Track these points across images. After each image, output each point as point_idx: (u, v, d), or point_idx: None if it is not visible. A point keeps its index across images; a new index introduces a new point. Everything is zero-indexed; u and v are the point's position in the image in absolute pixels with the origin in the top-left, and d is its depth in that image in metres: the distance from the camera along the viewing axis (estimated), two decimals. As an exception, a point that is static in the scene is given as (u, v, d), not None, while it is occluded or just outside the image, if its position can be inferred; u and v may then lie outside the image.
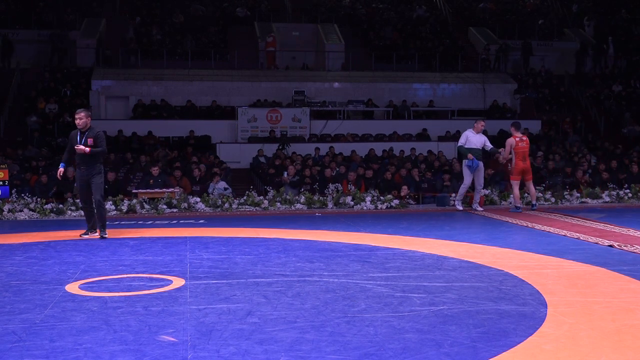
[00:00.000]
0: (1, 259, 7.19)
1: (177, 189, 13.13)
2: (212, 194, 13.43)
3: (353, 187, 13.72)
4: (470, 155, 12.04)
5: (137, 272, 6.39)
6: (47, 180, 13.47)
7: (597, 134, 22.32)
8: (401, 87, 23.68)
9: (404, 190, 13.60)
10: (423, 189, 14.33)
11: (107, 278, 6.12)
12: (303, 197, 12.96)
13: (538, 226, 9.84)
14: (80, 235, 8.87)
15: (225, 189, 13.88)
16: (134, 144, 18.88)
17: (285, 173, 14.78)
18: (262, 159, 17.97)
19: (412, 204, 13.50)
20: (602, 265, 6.55)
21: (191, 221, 10.90)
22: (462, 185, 12.39)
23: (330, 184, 13.49)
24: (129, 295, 5.37)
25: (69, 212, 11.79)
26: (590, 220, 10.41)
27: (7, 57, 22.74)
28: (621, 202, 13.56)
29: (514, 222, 10.45)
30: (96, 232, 8.85)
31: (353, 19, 27.36)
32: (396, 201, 12.93)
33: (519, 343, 4.07)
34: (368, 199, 12.84)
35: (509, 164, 14.36)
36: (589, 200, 13.58)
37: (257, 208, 12.58)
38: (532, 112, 23.36)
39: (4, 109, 20.45)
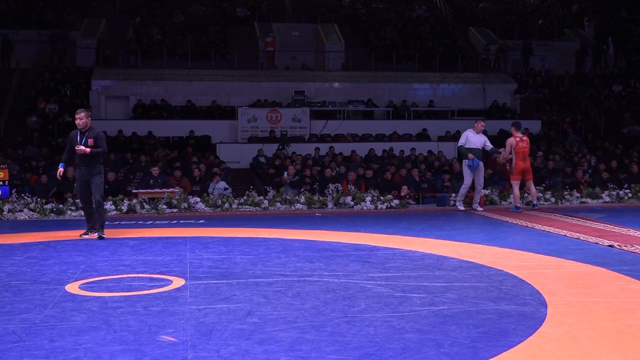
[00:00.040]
0: (1, 259, 7.19)
1: (177, 189, 13.13)
2: (212, 194, 13.43)
3: (353, 187, 13.72)
4: (470, 155, 12.04)
5: (137, 272, 6.39)
6: (47, 180, 13.47)
7: (597, 134, 22.32)
8: (401, 87, 23.68)
9: (404, 190, 13.60)
10: (423, 189, 14.34)
11: (107, 278, 6.12)
12: (303, 197, 12.96)
13: (538, 226, 9.84)
14: (80, 235, 8.87)
15: (225, 189, 13.88)
16: (134, 144, 18.88)
17: (285, 173, 14.78)
18: (262, 159, 17.97)
19: (412, 204, 13.50)
20: (602, 265, 6.55)
21: (191, 221, 10.90)
22: (462, 186, 12.38)
23: (330, 184, 13.49)
24: (129, 295, 5.37)
25: (69, 212, 11.79)
26: (590, 220, 10.41)
27: (7, 57, 22.74)
28: (621, 202, 13.56)
29: (514, 222, 10.45)
30: (95, 232, 8.85)
31: (353, 19, 27.36)
32: (396, 201, 12.93)
33: (519, 343, 4.07)
34: (368, 199, 12.84)
35: (507, 165, 14.39)
36: (589, 200, 13.58)
37: (257, 208, 12.58)
38: (532, 112, 23.36)
39: (4, 109, 20.46)
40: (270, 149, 18.59)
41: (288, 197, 12.90)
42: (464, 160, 12.34)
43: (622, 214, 11.53)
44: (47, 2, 25.20)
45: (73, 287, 5.70)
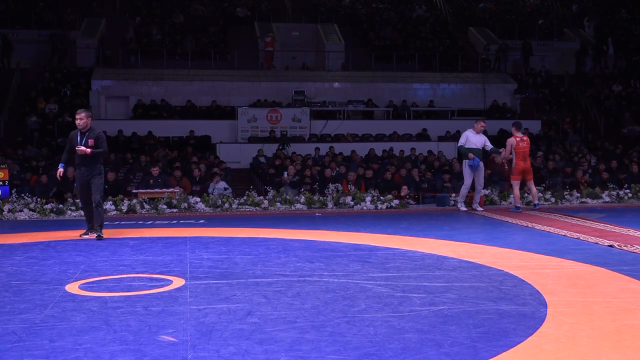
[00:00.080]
0: (1, 259, 7.19)
1: (177, 189, 13.13)
2: (212, 194, 13.43)
3: (353, 187, 13.71)
4: (471, 155, 12.04)
5: (137, 272, 6.39)
6: (47, 180, 13.47)
7: (597, 134, 22.32)
8: (401, 87, 23.68)
9: (404, 190, 13.60)
10: (423, 189, 14.33)
11: (107, 278, 6.12)
12: (303, 197, 12.96)
13: (538, 226, 9.84)
14: (80, 235, 8.87)
15: (225, 189, 13.88)
16: (134, 144, 18.88)
17: (285, 173, 14.78)
18: (262, 159, 17.97)
19: (412, 204, 13.50)
20: (602, 265, 6.55)
21: (191, 221, 10.90)
22: (462, 186, 12.38)
23: (330, 184, 13.49)
24: (129, 295, 5.37)
25: (69, 212, 11.80)
26: (590, 220, 10.41)
27: (7, 57, 22.74)
28: (621, 202, 13.56)
29: (514, 222, 10.45)
30: (94, 232, 8.83)
31: (353, 19, 27.36)
32: (396, 201, 12.93)
33: (519, 343, 4.07)
34: (368, 199, 12.84)
35: (505, 165, 14.38)
36: (589, 200, 13.58)
37: (257, 208, 12.58)
38: (532, 112, 23.36)
39: (4, 109, 20.46)
40: (270, 149, 18.59)
41: (288, 197, 12.90)
42: (464, 161, 12.33)
43: (622, 214, 11.53)
44: (47, 2, 25.20)
45: (73, 287, 5.70)
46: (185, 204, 12.38)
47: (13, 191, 12.42)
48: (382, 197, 12.94)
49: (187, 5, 26.54)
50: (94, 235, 8.77)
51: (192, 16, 26.10)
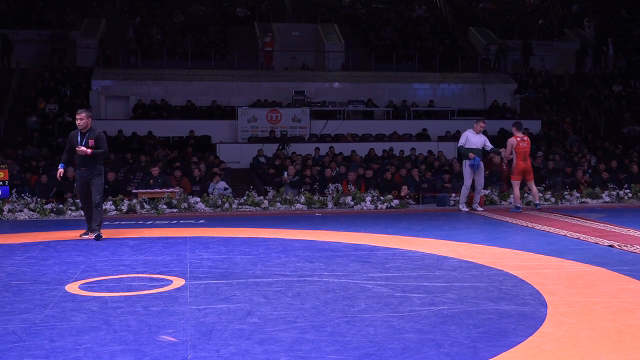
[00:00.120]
0: (1, 259, 7.19)
1: (177, 189, 13.13)
2: (212, 194, 13.43)
3: (353, 187, 13.71)
4: (471, 155, 12.03)
5: (137, 272, 6.39)
6: (47, 181, 13.47)
7: (597, 134, 22.32)
8: (401, 87, 23.68)
9: (404, 190, 13.60)
10: (423, 189, 14.33)
11: (107, 278, 6.12)
12: (303, 197, 12.96)
13: (538, 226, 9.84)
14: (80, 236, 8.86)
15: (225, 189, 13.88)
16: (134, 144, 18.88)
17: (285, 173, 14.78)
18: (262, 159, 17.97)
19: (412, 204, 13.50)
20: (602, 265, 6.55)
21: (191, 221, 10.90)
22: (463, 187, 12.37)
23: (330, 184, 13.49)
24: (129, 295, 5.37)
25: (69, 212, 11.80)
26: (590, 220, 10.41)
27: (7, 57, 22.74)
28: (621, 202, 13.56)
29: (514, 222, 10.45)
30: (93, 232, 8.82)
31: (353, 19, 27.36)
32: (396, 201, 12.93)
33: (519, 343, 4.07)
34: (368, 199, 12.84)
35: (504, 165, 14.39)
36: (589, 200, 13.58)
37: (257, 208, 12.58)
38: (532, 112, 23.36)
39: (4, 109, 20.46)
40: (270, 149, 18.59)
41: (288, 197, 12.90)
42: (464, 161, 12.33)
43: (622, 214, 11.53)
44: (47, 2, 25.20)
45: (73, 287, 5.70)
46: (185, 204, 12.38)
47: (13, 191, 12.42)
48: (382, 197, 12.94)
49: (187, 5, 26.54)
50: (92, 236, 8.77)
51: (192, 16, 26.11)
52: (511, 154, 12.13)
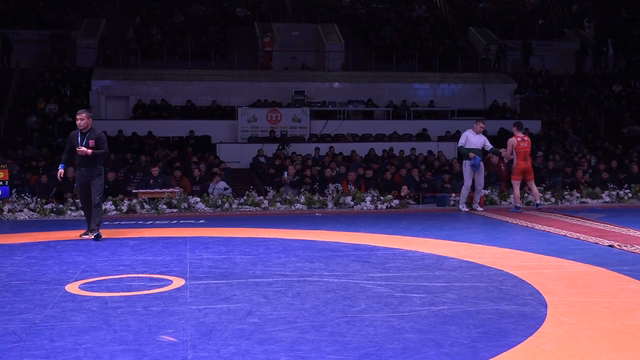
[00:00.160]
0: (1, 259, 7.19)
1: (177, 189, 13.13)
2: (212, 194, 13.43)
3: (353, 187, 13.71)
4: (472, 154, 12.03)
5: (137, 272, 6.39)
6: (47, 181, 13.47)
7: (597, 134, 22.32)
8: (401, 87, 23.69)
9: (404, 190, 13.60)
10: (423, 189, 14.33)
11: (107, 278, 6.12)
12: (303, 197, 12.96)
13: (538, 226, 9.84)
14: (80, 236, 8.86)
15: (225, 189, 13.88)
16: (134, 144, 18.88)
17: (285, 173, 14.78)
18: (262, 159, 17.97)
19: (412, 204, 13.50)
20: (602, 265, 6.55)
21: (191, 221, 10.90)
22: (463, 187, 12.37)
23: (330, 184, 13.49)
24: (129, 295, 5.37)
25: (69, 212, 11.80)
26: (590, 220, 10.41)
27: (7, 57, 22.75)
28: (621, 202, 13.56)
29: (514, 222, 10.45)
30: (93, 232, 8.81)
31: (353, 19, 27.36)
32: (396, 201, 12.93)
33: (519, 343, 4.07)
34: (368, 199, 12.84)
35: (502, 165, 14.38)
36: (589, 200, 13.58)
37: (257, 208, 12.58)
38: (532, 112, 23.36)
39: (4, 109, 20.46)
40: (270, 149, 18.59)
41: (288, 197, 12.90)
42: (465, 161, 12.33)
43: (622, 214, 11.53)
44: (47, 2, 25.21)
45: (73, 287, 5.70)
46: (185, 204, 12.38)
47: (13, 191, 12.42)
48: (382, 197, 12.94)
49: (187, 5, 26.55)
50: (92, 236, 8.76)
51: (192, 16, 26.11)
52: (512, 154, 12.13)
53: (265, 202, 12.73)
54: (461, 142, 12.34)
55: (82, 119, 8.73)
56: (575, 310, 4.84)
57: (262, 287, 5.64)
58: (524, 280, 5.83)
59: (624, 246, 7.73)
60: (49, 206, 11.80)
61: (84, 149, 8.59)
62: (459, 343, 4.08)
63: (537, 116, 22.86)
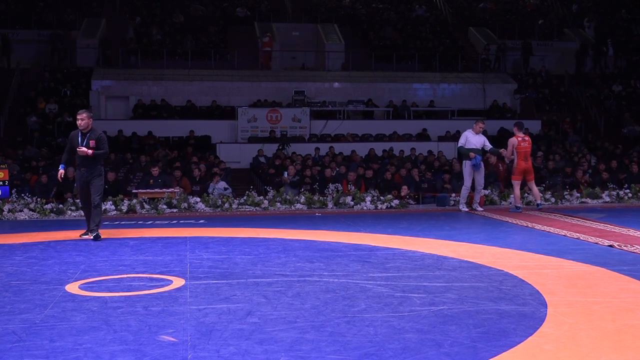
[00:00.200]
0: (1, 259, 7.19)
1: (177, 189, 13.13)
2: (212, 194, 13.43)
3: (353, 187, 13.71)
4: (472, 154, 12.03)
5: (137, 272, 6.39)
6: (47, 181, 13.48)
7: (597, 134, 22.32)
8: (401, 87, 23.68)
9: (404, 190, 13.60)
10: (423, 189, 14.33)
11: (107, 278, 6.12)
12: (303, 197, 12.96)
13: (538, 226, 9.84)
14: (80, 236, 8.86)
15: (225, 189, 13.88)
16: (134, 144, 18.88)
17: (285, 173, 14.77)
18: (262, 159, 17.97)
19: (412, 204, 13.50)
20: (602, 265, 6.55)
21: (191, 221, 10.90)
22: (463, 187, 12.37)
23: (330, 184, 13.49)
24: (129, 295, 5.37)
25: (69, 212, 11.80)
26: (590, 220, 10.41)
27: (7, 57, 22.74)
28: (621, 202, 13.56)
29: (514, 222, 10.45)
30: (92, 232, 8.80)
31: (353, 19, 27.36)
32: (396, 201, 12.93)
33: (519, 343, 4.07)
34: (368, 199, 12.84)
35: (500, 165, 14.38)
36: (589, 200, 13.58)
37: (257, 208, 12.58)
38: (532, 112, 23.36)
39: (4, 109, 20.46)
40: (270, 149, 18.59)
41: (288, 197, 12.90)
42: (465, 161, 12.33)
43: (622, 214, 11.53)
44: (47, 2, 25.20)
45: (73, 287, 5.70)
46: (185, 204, 12.38)
47: (13, 191, 12.42)
48: (382, 197, 12.94)
49: (187, 5, 26.54)
50: (92, 236, 8.75)
51: (192, 16, 26.11)
52: (512, 154, 12.13)
53: (265, 202, 12.73)
54: (461, 142, 12.34)
55: (82, 119, 8.72)
56: (575, 310, 4.84)
57: (262, 287, 5.64)
58: (524, 280, 5.84)
59: (624, 246, 7.73)
60: (49, 206, 11.80)
61: (84, 149, 8.58)
62: (459, 343, 4.08)
63: (537, 116, 22.85)
